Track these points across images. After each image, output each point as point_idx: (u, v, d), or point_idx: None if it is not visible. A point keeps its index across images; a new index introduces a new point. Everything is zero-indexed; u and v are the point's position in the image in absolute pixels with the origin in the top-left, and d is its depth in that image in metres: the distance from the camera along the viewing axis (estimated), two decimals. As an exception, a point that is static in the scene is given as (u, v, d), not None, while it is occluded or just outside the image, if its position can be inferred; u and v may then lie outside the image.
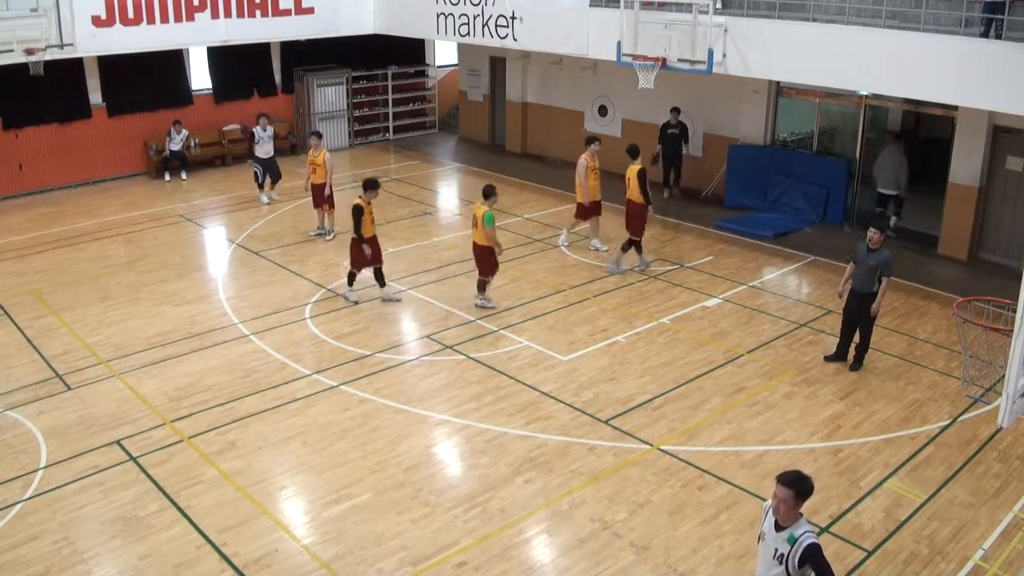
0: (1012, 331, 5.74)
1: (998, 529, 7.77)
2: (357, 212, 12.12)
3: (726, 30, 13.84)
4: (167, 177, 19.37)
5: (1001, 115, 13.13)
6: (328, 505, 8.08)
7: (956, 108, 13.88)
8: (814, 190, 16.45)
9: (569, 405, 9.85)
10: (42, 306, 12.59)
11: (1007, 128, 13.80)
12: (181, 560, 7.34)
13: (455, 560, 7.34)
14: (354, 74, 22.57)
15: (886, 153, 15.43)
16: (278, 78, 21.78)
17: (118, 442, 9.07)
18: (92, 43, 17.01)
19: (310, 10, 19.84)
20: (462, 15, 18.43)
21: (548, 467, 8.67)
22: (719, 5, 14.06)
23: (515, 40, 17.57)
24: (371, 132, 23.49)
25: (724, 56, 13.94)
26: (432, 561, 7.33)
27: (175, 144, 19.21)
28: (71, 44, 16.61)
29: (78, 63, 17.98)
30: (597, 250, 14.69)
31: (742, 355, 11.08)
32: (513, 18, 17.39)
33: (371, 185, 12.39)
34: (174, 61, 19.72)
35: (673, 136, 17.53)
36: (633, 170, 13.46)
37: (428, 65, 24.59)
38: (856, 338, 10.68)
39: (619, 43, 14.84)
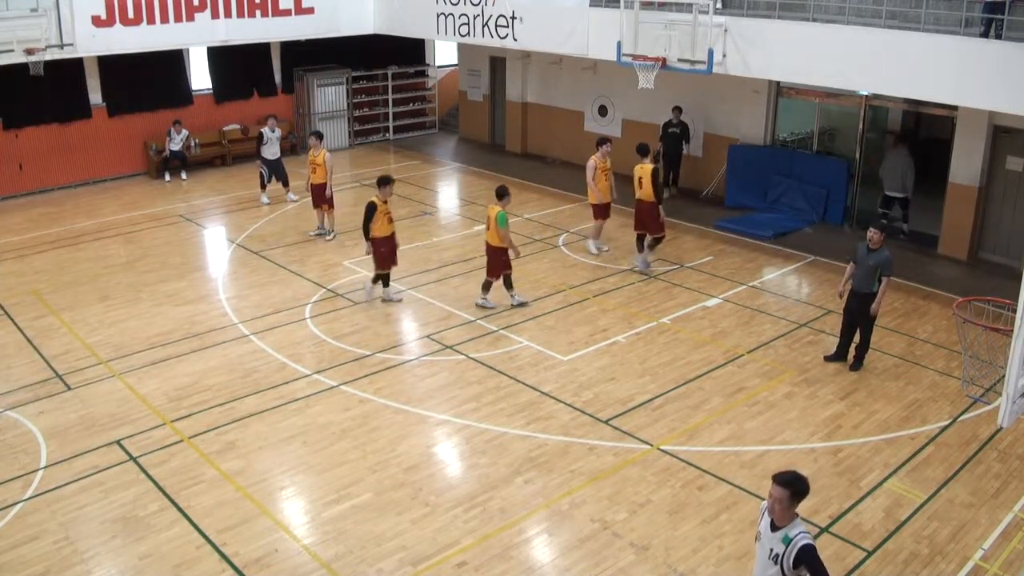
0: (1012, 331, 5.74)
1: (998, 529, 7.77)
2: (369, 210, 12.03)
3: (726, 30, 13.83)
4: (167, 177, 19.37)
5: (1001, 115, 13.12)
6: (328, 505, 8.08)
7: (956, 108, 13.88)
8: (814, 190, 16.45)
9: (569, 405, 9.85)
10: (42, 306, 12.59)
11: (1007, 128, 13.80)
12: (181, 560, 7.34)
13: (455, 560, 7.34)
14: (354, 74, 22.58)
15: (893, 155, 15.41)
16: (278, 78, 21.79)
17: (118, 442, 9.08)
18: (92, 43, 17.01)
19: (310, 10, 19.84)
20: (462, 15, 18.43)
21: (548, 467, 8.67)
22: (719, 5, 14.06)
23: (515, 40, 17.57)
24: (371, 132, 23.49)
25: (724, 56, 13.94)
26: (432, 561, 7.33)
27: (175, 144, 19.21)
28: (71, 44, 16.61)
29: (78, 63, 17.98)
30: (598, 251, 14.68)
31: (742, 355, 11.08)
32: (513, 18, 17.39)
33: (382, 182, 12.23)
34: (174, 61, 19.72)
35: (674, 135, 17.54)
36: (647, 169, 13.46)
37: (428, 65, 24.60)
38: (856, 338, 10.68)
39: (619, 43, 14.84)
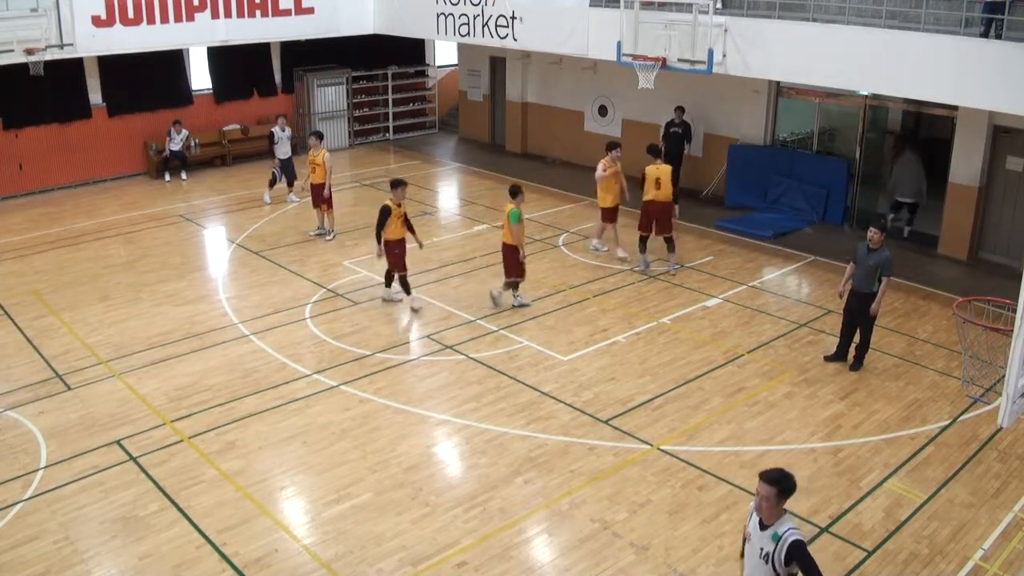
0: (1012, 331, 5.74)
1: (998, 529, 7.77)
2: (383, 213, 11.95)
3: (726, 30, 13.84)
4: (167, 177, 19.37)
5: (1001, 115, 13.13)
6: (328, 505, 8.08)
7: (956, 108, 13.89)
8: (814, 190, 16.45)
9: (569, 405, 9.85)
10: (42, 306, 12.59)
11: (1007, 128, 13.80)
12: (181, 560, 7.34)
13: (455, 560, 7.34)
14: (354, 74, 22.58)
15: (904, 161, 15.39)
16: (278, 78, 21.79)
17: (118, 442, 9.08)
18: (92, 43, 17.01)
19: (310, 10, 19.84)
20: (462, 15, 18.43)
21: (548, 467, 8.67)
22: (719, 5, 14.07)
23: (515, 40, 17.57)
24: (371, 132, 23.49)
25: (724, 56, 13.94)
26: (432, 561, 7.33)
27: (175, 144, 19.21)
28: (71, 44, 16.61)
29: (78, 63, 17.98)
30: (596, 250, 14.69)
31: (742, 355, 11.08)
32: (513, 18, 17.39)
33: (395, 184, 12.16)
34: (174, 61, 19.72)
35: (676, 135, 17.54)
36: (666, 170, 13.50)
37: (428, 65, 24.60)
38: (856, 338, 10.68)
39: (619, 43, 14.84)
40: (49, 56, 16.12)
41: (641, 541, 7.59)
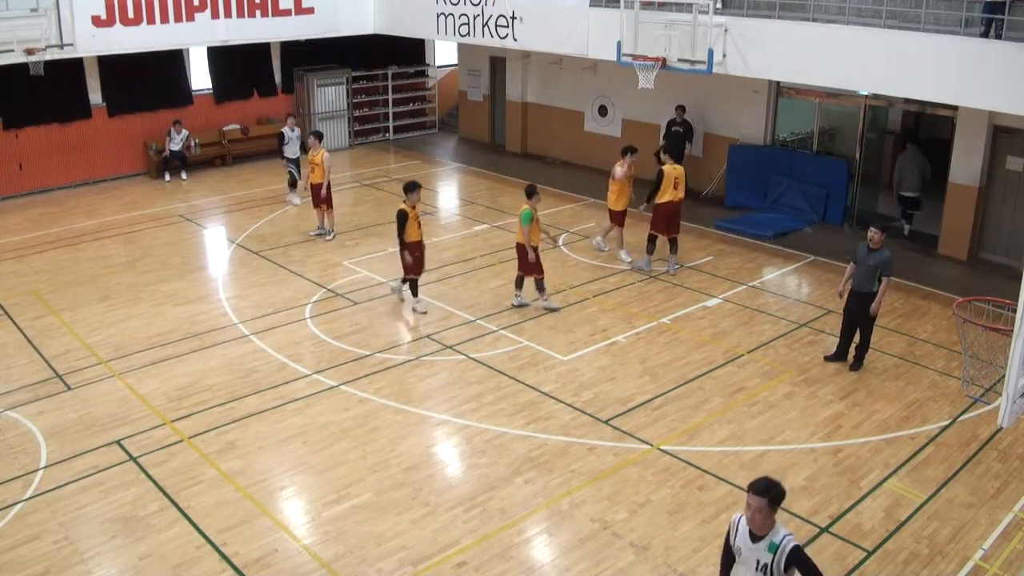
0: (1012, 331, 5.74)
1: (998, 529, 7.77)
2: (401, 217, 11.86)
3: (726, 30, 13.84)
4: (167, 177, 19.37)
5: (1001, 115, 13.12)
6: (328, 505, 8.08)
7: (956, 108, 13.88)
8: (814, 190, 16.45)
9: (569, 405, 9.85)
10: (42, 306, 12.59)
11: (1007, 128, 13.80)
12: (181, 560, 7.34)
13: (455, 560, 7.34)
14: (354, 74, 22.57)
15: (906, 157, 15.37)
16: (278, 78, 21.79)
17: (118, 442, 9.08)
18: (92, 43, 17.01)
19: (310, 10, 19.84)
20: (462, 15, 18.43)
21: (548, 467, 8.67)
22: (719, 5, 14.06)
23: (515, 40, 17.57)
24: (371, 132, 23.49)
25: (724, 56, 13.94)
26: (432, 561, 7.33)
27: (175, 144, 19.21)
28: (71, 44, 16.61)
29: (78, 63, 17.98)
30: (599, 249, 14.68)
31: (742, 355, 11.08)
32: (513, 18, 17.39)
33: (409, 188, 12.05)
34: (174, 61, 19.72)
35: (677, 134, 17.54)
36: (682, 171, 13.55)
37: (428, 65, 24.59)
38: (856, 338, 10.68)
39: (619, 43, 14.83)
40: (49, 56, 16.12)
41: (641, 541, 7.59)
